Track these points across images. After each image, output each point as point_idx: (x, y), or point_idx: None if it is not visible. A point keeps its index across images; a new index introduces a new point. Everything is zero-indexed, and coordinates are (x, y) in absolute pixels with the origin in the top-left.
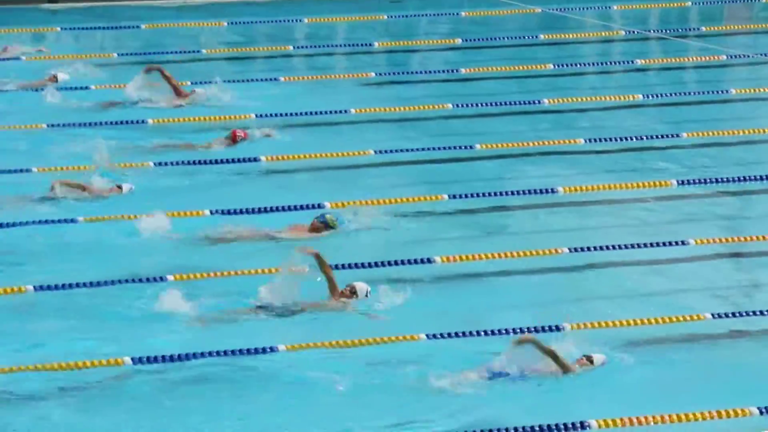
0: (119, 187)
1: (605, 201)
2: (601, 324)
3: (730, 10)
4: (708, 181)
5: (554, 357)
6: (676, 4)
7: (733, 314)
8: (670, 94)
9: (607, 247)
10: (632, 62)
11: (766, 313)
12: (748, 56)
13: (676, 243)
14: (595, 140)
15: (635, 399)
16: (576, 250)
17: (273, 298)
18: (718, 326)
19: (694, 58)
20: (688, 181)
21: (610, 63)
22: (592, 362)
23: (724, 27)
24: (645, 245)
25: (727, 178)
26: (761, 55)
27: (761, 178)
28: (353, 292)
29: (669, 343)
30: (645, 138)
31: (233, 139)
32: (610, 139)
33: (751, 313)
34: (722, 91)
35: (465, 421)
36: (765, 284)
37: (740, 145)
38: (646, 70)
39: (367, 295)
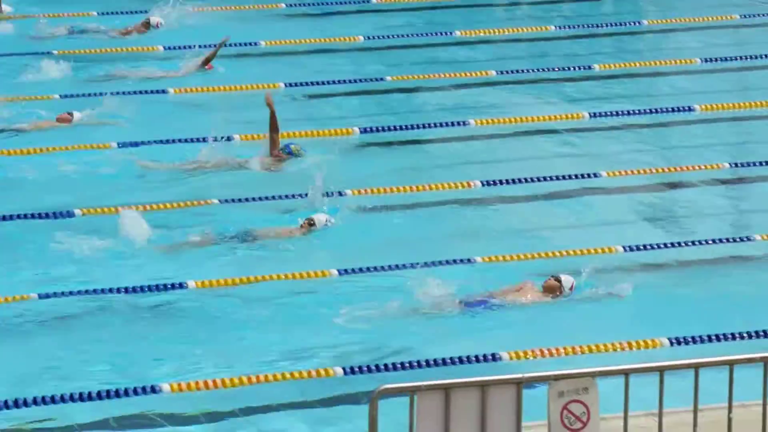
0: (70, 115)
1: (518, 133)
2: (513, 257)
3: None
4: (620, 113)
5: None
6: None
7: (645, 247)
8: (584, 26)
9: (519, 180)
10: None
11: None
12: None
13: (587, 175)
14: (507, 72)
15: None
16: (488, 183)
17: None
18: (625, 259)
19: None
20: (601, 113)
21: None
22: (560, 282)
23: None
24: (555, 178)
25: (639, 110)
26: None
27: (674, 110)
28: (311, 224)
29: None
30: (557, 69)
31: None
32: (522, 71)
33: (661, 245)
34: (635, 23)
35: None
36: (675, 216)
37: (656, 77)
38: (560, 2)
39: (327, 224)
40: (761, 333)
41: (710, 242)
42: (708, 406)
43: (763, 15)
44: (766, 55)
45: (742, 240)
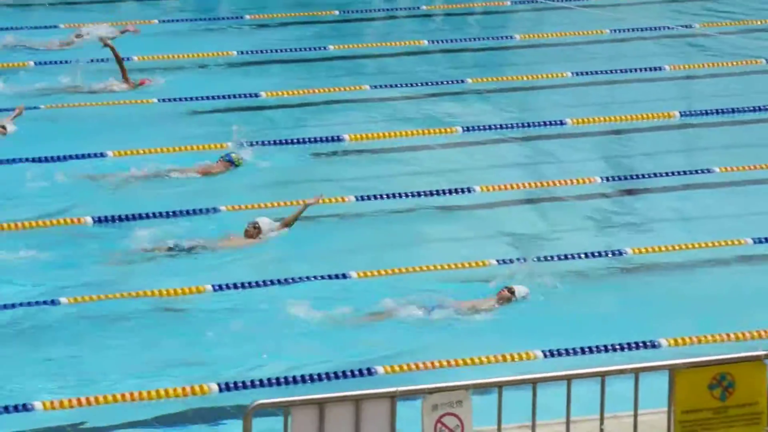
0: (3, 128)
1: (392, 149)
2: (390, 271)
3: None
4: (493, 127)
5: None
6: None
7: (519, 260)
8: (455, 40)
9: (395, 195)
10: (418, 8)
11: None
12: (533, 1)
13: (463, 190)
14: (381, 86)
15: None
16: (363, 198)
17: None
18: (494, 273)
19: (479, 4)
20: (474, 127)
21: (396, 9)
22: (513, 293)
23: None
24: (433, 193)
25: (512, 124)
26: (544, 0)
27: (546, 124)
28: (256, 228)
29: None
30: (430, 84)
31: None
32: (396, 86)
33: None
34: (506, 37)
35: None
36: (546, 230)
37: (527, 91)
38: (431, 15)
39: (272, 231)
40: (633, 345)
41: (582, 256)
42: (581, 418)
43: (633, 30)
44: (635, 69)
45: (614, 254)
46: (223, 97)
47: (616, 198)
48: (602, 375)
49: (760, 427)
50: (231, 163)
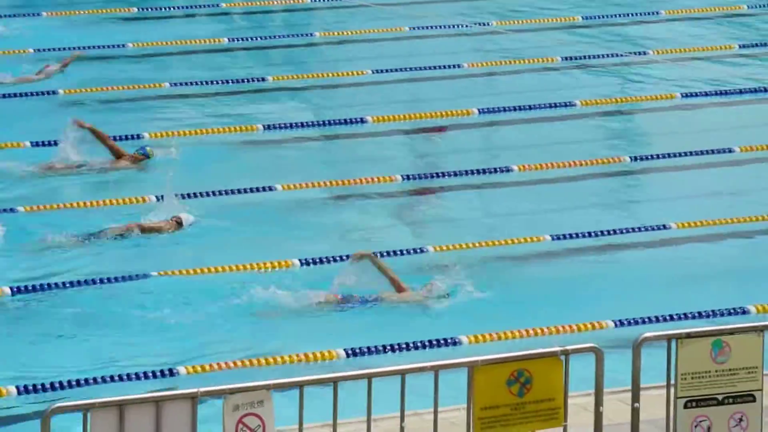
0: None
1: (192, 146)
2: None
3: None
4: (293, 125)
5: (391, 277)
6: None
7: (311, 262)
8: (256, 38)
9: (190, 196)
10: (218, 5)
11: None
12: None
13: (266, 188)
14: (182, 84)
15: None
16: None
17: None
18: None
19: (279, 2)
20: (275, 125)
21: (195, 6)
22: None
23: None
24: (228, 192)
25: (313, 122)
26: None
27: (347, 122)
28: (179, 223)
29: None
30: (231, 82)
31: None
32: (197, 83)
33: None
34: (307, 35)
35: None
36: (348, 229)
37: (328, 89)
38: (230, 13)
39: (191, 224)
40: (434, 342)
41: (387, 254)
42: (382, 416)
43: (431, 27)
44: (434, 66)
45: (416, 251)
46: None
47: (417, 196)
48: (402, 373)
49: (557, 422)
50: (145, 156)
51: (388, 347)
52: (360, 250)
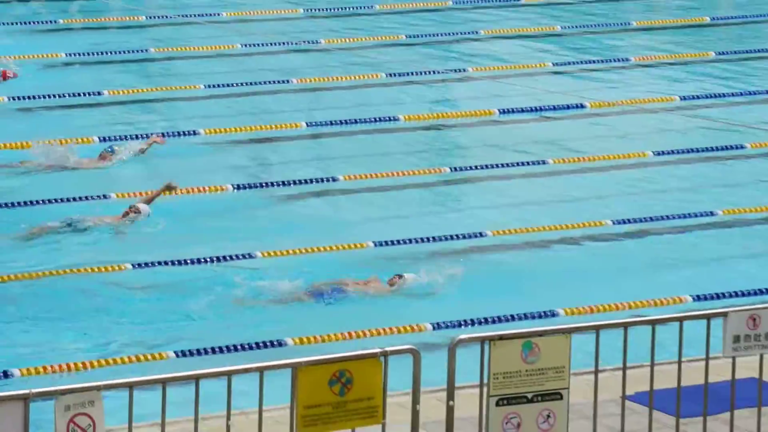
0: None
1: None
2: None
3: None
4: (129, 137)
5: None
6: None
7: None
8: (93, 53)
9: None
10: (56, 21)
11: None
12: (167, 17)
13: (99, 197)
14: (20, 98)
15: None
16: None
17: None
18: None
19: (115, 18)
20: (109, 137)
21: (32, 23)
22: (402, 278)
23: None
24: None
25: (138, 134)
26: (180, 16)
27: (180, 134)
28: (137, 212)
29: None
30: (69, 96)
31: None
32: (30, 98)
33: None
34: (143, 50)
35: None
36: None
37: (162, 102)
38: (68, 29)
39: (149, 215)
40: (261, 344)
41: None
42: (209, 415)
43: (262, 44)
44: (265, 81)
45: (243, 257)
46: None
47: (248, 209)
48: (228, 374)
49: (376, 420)
50: (113, 154)
51: (216, 348)
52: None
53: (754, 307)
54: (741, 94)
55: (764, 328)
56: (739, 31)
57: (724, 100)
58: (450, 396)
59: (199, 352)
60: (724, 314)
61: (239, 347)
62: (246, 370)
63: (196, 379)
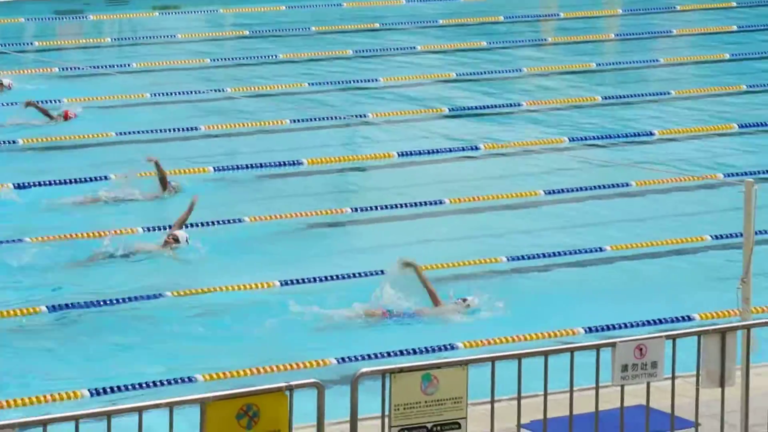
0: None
1: None
2: None
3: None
4: (44, 183)
5: (430, 290)
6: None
7: None
8: None
9: None
10: None
11: None
12: (80, 68)
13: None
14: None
15: None
16: None
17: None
18: None
19: (32, 71)
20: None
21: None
22: (465, 303)
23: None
24: None
25: (69, 180)
26: (91, 67)
27: (90, 180)
28: (176, 240)
29: None
30: None
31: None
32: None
33: None
34: (56, 101)
35: None
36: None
37: (75, 149)
38: None
39: (187, 242)
40: (171, 381)
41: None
42: None
43: (170, 94)
44: (174, 129)
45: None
46: None
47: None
48: (140, 410)
49: None
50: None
51: (123, 387)
52: (404, 257)
53: (641, 338)
54: (626, 135)
55: (650, 357)
56: (622, 76)
57: (609, 141)
58: (353, 428)
59: (112, 390)
60: (613, 344)
61: (151, 383)
62: (156, 406)
63: (108, 415)
